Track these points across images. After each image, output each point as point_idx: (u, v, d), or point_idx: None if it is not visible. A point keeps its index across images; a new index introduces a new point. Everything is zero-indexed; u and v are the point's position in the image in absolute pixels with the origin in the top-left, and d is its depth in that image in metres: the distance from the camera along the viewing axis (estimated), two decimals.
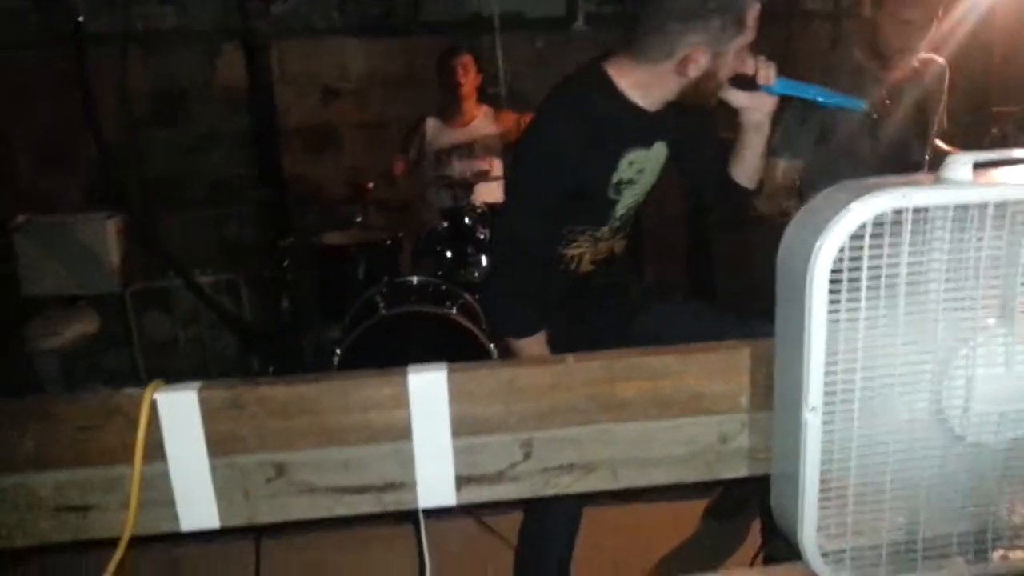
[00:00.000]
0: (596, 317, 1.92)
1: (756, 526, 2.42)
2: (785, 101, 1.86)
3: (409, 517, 1.17)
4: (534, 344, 1.81)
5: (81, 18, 3.48)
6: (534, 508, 1.95)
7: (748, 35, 1.65)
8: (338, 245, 3.63)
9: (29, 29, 4.14)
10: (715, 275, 3.98)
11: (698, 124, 1.87)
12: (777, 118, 2.47)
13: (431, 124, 3.98)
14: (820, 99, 1.71)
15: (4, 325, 3.90)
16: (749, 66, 1.68)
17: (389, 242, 3.62)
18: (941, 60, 2.55)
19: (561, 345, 1.83)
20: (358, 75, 4.62)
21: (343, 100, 4.62)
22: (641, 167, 1.81)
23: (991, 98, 3.84)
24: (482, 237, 3.48)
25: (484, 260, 3.47)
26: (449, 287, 3.30)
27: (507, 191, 1.99)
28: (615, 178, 1.77)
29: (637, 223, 2.00)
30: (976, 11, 2.45)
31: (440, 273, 3.46)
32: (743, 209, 1.95)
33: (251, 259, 4.25)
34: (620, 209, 1.85)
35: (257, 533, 1.69)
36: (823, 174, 2.25)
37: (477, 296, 3.24)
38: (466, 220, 3.49)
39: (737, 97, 1.73)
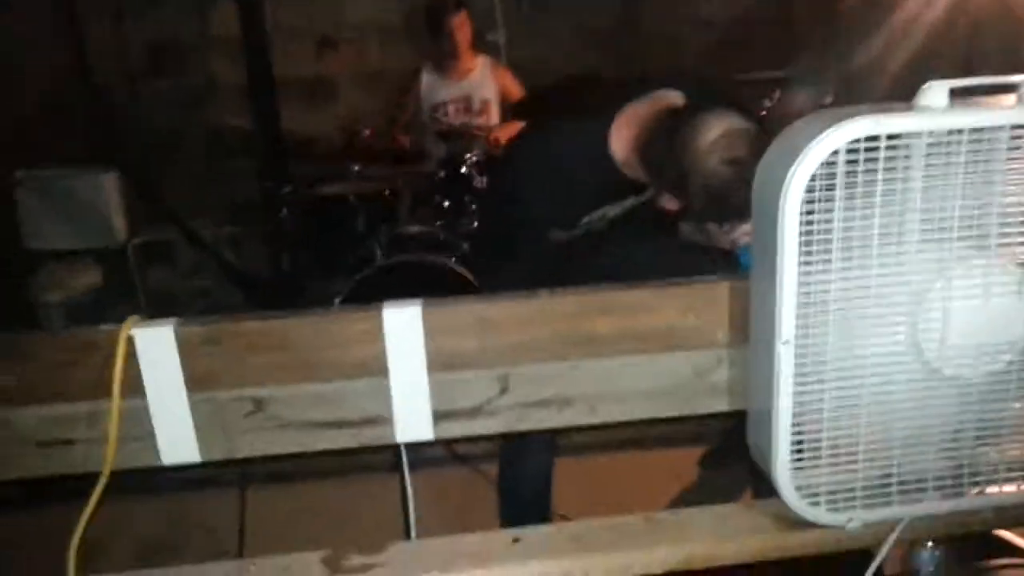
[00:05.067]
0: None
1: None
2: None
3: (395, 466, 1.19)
4: None
5: None
6: (506, 449, 2.00)
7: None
8: (336, 196, 3.62)
9: None
10: None
11: None
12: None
13: (426, 78, 3.92)
14: None
15: (7, 278, 3.92)
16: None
17: (387, 192, 3.61)
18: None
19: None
20: (353, 25, 4.57)
21: (339, 51, 4.58)
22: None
23: None
24: (479, 186, 3.46)
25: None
26: (447, 237, 3.30)
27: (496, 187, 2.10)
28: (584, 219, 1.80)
29: None
30: None
31: (438, 223, 3.45)
32: None
33: (251, 211, 4.24)
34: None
35: (242, 484, 1.71)
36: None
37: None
38: (463, 170, 3.47)
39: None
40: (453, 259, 3.11)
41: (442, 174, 3.52)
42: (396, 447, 1.17)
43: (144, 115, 4.47)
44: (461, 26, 3.77)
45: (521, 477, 1.97)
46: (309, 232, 3.66)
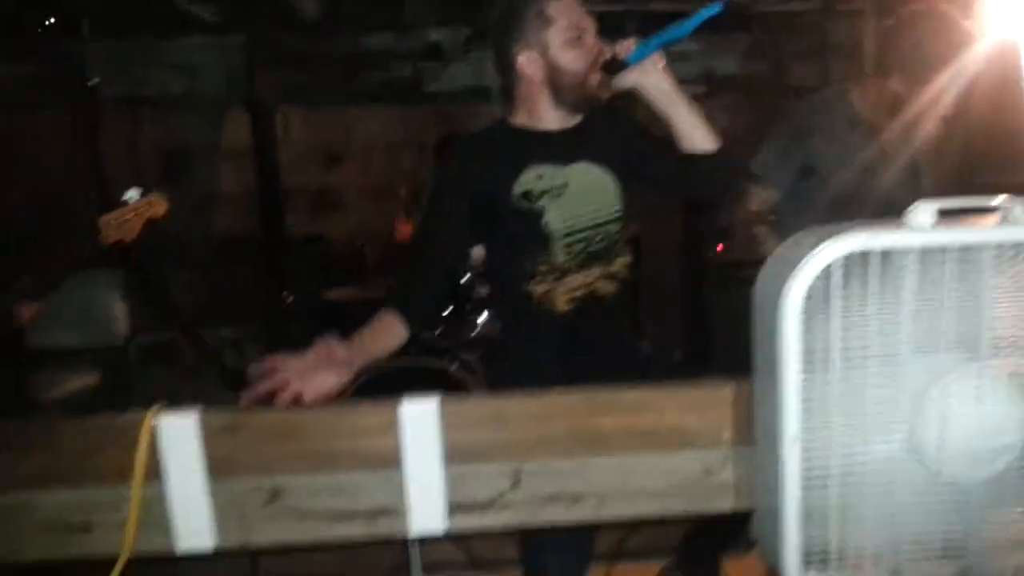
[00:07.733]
0: (584, 370, 1.89)
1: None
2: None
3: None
4: None
5: (96, 80, 3.60)
6: (528, 542, 1.89)
7: (560, 23, 1.72)
8: (340, 301, 3.69)
9: (44, 89, 4.26)
10: (711, 333, 4.00)
11: (625, 133, 1.89)
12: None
13: None
14: (681, 32, 1.69)
15: (9, 376, 3.92)
16: (606, 51, 1.74)
17: None
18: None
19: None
20: (360, 141, 4.76)
21: (345, 164, 4.74)
22: (557, 181, 1.80)
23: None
24: (480, 295, 3.54)
25: (481, 318, 3.54)
26: (447, 344, 3.35)
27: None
28: (518, 189, 1.78)
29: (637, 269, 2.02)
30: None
31: (438, 331, 3.51)
32: (726, 181, 1.93)
33: (254, 316, 4.30)
34: (557, 227, 1.81)
35: (253, 560, 1.69)
36: (801, 212, 2.14)
37: (474, 353, 3.29)
38: (465, 279, 3.55)
39: (621, 80, 1.76)
40: (453, 366, 3.15)
41: None
42: (406, 545, 1.19)
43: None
44: None
45: None
46: (312, 337, 3.70)
